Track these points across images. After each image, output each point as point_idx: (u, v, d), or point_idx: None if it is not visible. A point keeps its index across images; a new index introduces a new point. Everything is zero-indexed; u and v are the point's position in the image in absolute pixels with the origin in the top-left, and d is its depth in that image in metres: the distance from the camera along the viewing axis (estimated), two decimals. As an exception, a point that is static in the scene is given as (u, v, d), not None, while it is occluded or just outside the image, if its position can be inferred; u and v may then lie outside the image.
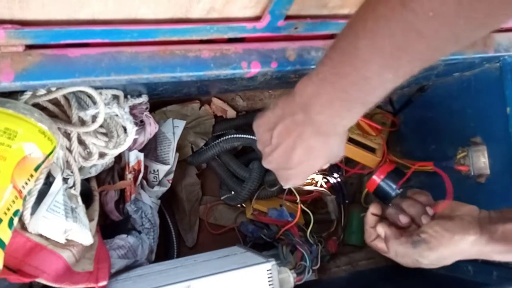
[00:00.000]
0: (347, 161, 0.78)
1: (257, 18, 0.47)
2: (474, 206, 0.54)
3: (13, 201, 0.43)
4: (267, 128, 0.50)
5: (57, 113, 0.52)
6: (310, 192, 0.79)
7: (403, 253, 0.55)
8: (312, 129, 0.46)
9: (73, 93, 0.52)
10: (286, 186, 0.57)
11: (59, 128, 0.51)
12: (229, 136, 0.73)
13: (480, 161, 0.65)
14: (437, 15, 0.33)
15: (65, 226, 0.49)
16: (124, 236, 0.61)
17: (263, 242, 0.73)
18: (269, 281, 0.53)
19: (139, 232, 0.63)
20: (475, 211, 0.54)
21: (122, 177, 0.64)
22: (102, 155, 0.57)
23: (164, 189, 0.68)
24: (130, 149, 0.62)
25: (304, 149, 0.48)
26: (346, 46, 0.39)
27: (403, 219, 0.56)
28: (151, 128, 0.64)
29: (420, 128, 0.78)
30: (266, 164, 0.52)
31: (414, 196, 0.58)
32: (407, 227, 0.57)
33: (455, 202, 0.56)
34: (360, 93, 0.41)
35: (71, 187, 0.54)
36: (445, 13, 0.33)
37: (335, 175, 0.80)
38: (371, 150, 0.76)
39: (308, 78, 0.45)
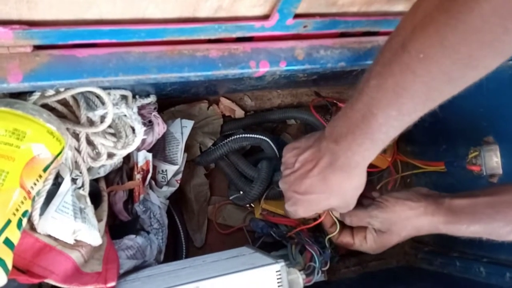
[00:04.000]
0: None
1: (265, 17, 0.47)
2: (425, 187, 0.60)
3: (22, 202, 0.43)
4: (295, 153, 0.55)
5: (66, 113, 0.52)
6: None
7: (357, 218, 0.60)
8: (329, 159, 0.50)
9: (82, 93, 0.52)
10: (287, 211, 0.58)
11: (67, 129, 0.51)
12: (238, 136, 0.72)
13: (492, 160, 0.65)
14: (426, 56, 0.38)
15: (74, 226, 0.49)
16: (132, 236, 0.61)
17: (272, 241, 0.73)
18: (278, 283, 0.52)
19: (148, 233, 0.63)
20: (423, 189, 0.59)
21: (130, 177, 0.64)
22: (110, 155, 0.57)
23: (172, 189, 0.68)
24: (138, 149, 0.62)
25: (318, 179, 0.52)
26: (362, 85, 0.45)
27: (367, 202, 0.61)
28: (160, 128, 0.64)
29: (431, 127, 0.77)
30: (281, 184, 0.57)
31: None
32: None
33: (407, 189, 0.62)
34: (368, 129, 0.45)
35: (79, 188, 0.54)
36: (433, 55, 0.38)
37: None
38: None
39: (337, 114, 0.50)
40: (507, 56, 0.37)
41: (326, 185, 0.52)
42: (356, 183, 0.52)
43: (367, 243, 0.61)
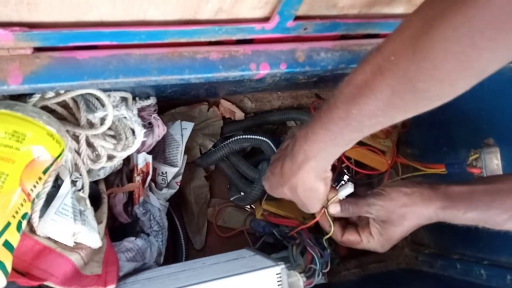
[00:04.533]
0: (357, 163, 0.77)
1: (266, 19, 0.47)
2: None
3: (22, 204, 0.43)
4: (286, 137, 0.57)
5: (66, 115, 0.52)
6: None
7: (355, 206, 0.59)
8: (291, 147, 0.52)
9: (82, 95, 0.52)
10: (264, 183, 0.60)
11: (67, 131, 0.50)
12: (238, 137, 0.72)
13: (493, 163, 0.64)
14: (396, 58, 0.38)
15: (74, 229, 0.49)
16: (132, 238, 0.60)
17: (272, 242, 0.73)
18: (278, 285, 0.52)
19: (148, 235, 0.63)
20: (419, 177, 0.62)
21: (130, 179, 0.64)
22: (110, 157, 0.56)
23: (172, 192, 0.68)
24: (138, 151, 0.62)
25: (280, 164, 0.53)
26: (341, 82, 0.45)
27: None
28: (160, 130, 0.64)
29: (431, 130, 0.77)
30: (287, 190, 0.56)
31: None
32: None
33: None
34: (327, 119, 0.45)
35: (79, 190, 0.53)
36: (402, 58, 0.38)
37: (345, 176, 0.79)
38: (381, 152, 0.75)
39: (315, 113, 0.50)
40: (476, 75, 0.36)
41: (281, 172, 0.53)
42: (307, 181, 0.52)
43: (374, 238, 0.60)
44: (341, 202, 0.60)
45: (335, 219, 0.63)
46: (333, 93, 0.45)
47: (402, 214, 0.56)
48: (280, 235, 0.71)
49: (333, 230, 0.62)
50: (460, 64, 0.35)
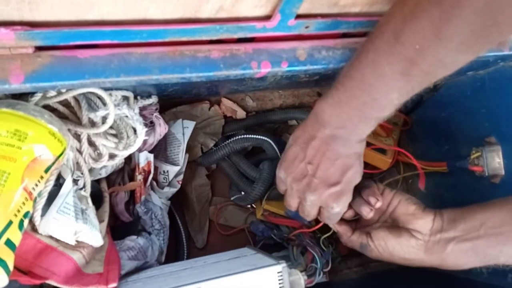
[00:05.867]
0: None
1: (267, 18, 0.47)
2: (430, 215, 0.56)
3: (23, 203, 0.43)
4: (297, 162, 0.55)
5: (67, 114, 0.52)
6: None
7: (351, 245, 0.61)
8: (340, 141, 0.52)
9: (83, 94, 0.52)
10: (338, 210, 0.57)
11: (69, 130, 0.51)
12: (239, 137, 0.72)
13: (494, 161, 0.64)
14: (422, 47, 0.41)
15: (75, 227, 0.49)
16: (134, 237, 0.61)
17: (273, 243, 0.73)
18: (279, 283, 0.52)
19: (149, 233, 0.63)
20: (427, 224, 0.55)
21: (132, 178, 0.64)
22: (112, 156, 0.56)
23: (174, 190, 0.68)
24: (140, 150, 0.62)
25: (342, 159, 0.53)
26: (354, 73, 0.47)
27: (365, 211, 0.58)
28: (161, 129, 0.64)
29: (432, 128, 0.77)
30: (311, 195, 0.55)
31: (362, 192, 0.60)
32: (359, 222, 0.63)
33: (413, 208, 0.57)
34: (372, 111, 0.48)
35: (81, 189, 0.54)
36: (428, 45, 0.41)
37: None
38: (382, 151, 0.75)
39: (324, 101, 0.52)
40: (496, 42, 0.44)
41: (350, 158, 0.53)
42: (363, 145, 0.54)
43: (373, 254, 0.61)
44: (340, 230, 0.61)
45: (345, 221, 0.62)
46: (358, 87, 0.47)
47: (405, 259, 0.57)
48: (279, 238, 0.71)
49: (337, 229, 0.62)
50: (483, 38, 0.40)
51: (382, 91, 0.46)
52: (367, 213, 0.57)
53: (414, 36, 0.41)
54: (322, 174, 0.53)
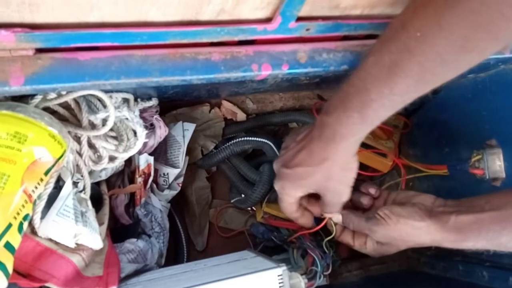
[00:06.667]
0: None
1: (268, 20, 0.47)
2: (431, 195, 0.57)
3: (23, 206, 0.43)
4: (294, 136, 0.56)
5: (68, 116, 0.52)
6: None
7: (357, 226, 0.58)
8: (318, 131, 0.50)
9: (84, 96, 0.52)
10: (276, 185, 0.59)
11: (69, 132, 0.50)
12: (239, 139, 0.72)
13: (495, 164, 0.64)
14: (423, 35, 0.39)
15: (75, 230, 0.49)
16: (134, 240, 0.60)
17: (273, 245, 0.73)
18: (280, 287, 0.52)
19: (149, 236, 0.63)
20: (429, 199, 0.57)
21: (132, 180, 0.64)
22: (112, 158, 0.56)
23: (174, 193, 0.68)
24: (140, 152, 0.62)
25: (307, 152, 0.52)
26: (361, 62, 0.46)
27: (365, 200, 0.61)
28: (161, 131, 0.64)
29: (433, 130, 0.77)
30: (275, 164, 0.58)
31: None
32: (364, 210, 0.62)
33: (413, 192, 0.60)
34: (359, 102, 0.46)
35: (81, 191, 0.53)
36: (429, 34, 0.38)
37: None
38: (382, 154, 0.75)
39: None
40: (502, 43, 0.38)
41: (312, 157, 0.52)
42: (341, 161, 0.52)
43: (367, 249, 0.60)
44: (343, 215, 0.60)
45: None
46: (357, 74, 0.45)
47: (404, 242, 0.56)
48: (279, 240, 0.71)
49: (335, 232, 0.62)
50: (488, 34, 0.37)
51: (375, 82, 0.44)
52: (367, 201, 0.60)
53: (418, 23, 0.39)
54: (289, 154, 0.55)
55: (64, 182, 0.50)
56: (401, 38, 0.41)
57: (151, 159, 0.63)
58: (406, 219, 0.54)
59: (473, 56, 0.40)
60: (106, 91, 0.52)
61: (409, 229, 0.54)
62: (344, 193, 0.56)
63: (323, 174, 0.53)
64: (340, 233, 0.63)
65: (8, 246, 0.41)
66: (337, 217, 0.61)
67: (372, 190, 0.61)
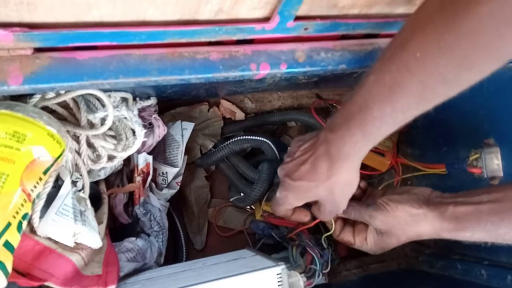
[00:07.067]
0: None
1: (266, 19, 0.47)
2: (428, 188, 0.58)
3: (22, 205, 0.43)
4: (299, 144, 0.56)
5: (66, 116, 0.52)
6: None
7: (356, 213, 0.59)
8: (324, 148, 0.51)
9: (82, 96, 0.52)
10: (277, 198, 0.59)
11: (68, 131, 0.50)
12: (238, 138, 0.72)
13: (493, 163, 0.64)
14: (423, 55, 0.39)
15: (74, 229, 0.49)
16: (133, 239, 0.60)
17: (272, 243, 0.73)
18: (279, 285, 0.52)
19: (148, 235, 0.63)
20: (427, 190, 0.58)
21: (131, 179, 0.64)
22: (111, 158, 0.56)
23: (173, 192, 0.68)
24: (139, 151, 0.62)
25: (310, 167, 0.53)
26: (363, 80, 0.46)
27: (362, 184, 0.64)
28: (160, 130, 0.64)
29: (431, 130, 0.77)
30: (279, 170, 0.58)
31: None
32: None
33: (409, 187, 0.61)
34: (362, 121, 0.46)
35: (80, 190, 0.53)
36: (429, 54, 0.39)
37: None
38: (381, 153, 0.75)
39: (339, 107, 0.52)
40: (502, 61, 0.38)
41: (316, 173, 0.52)
42: (345, 177, 0.52)
43: (368, 244, 0.61)
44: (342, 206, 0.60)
45: (338, 216, 0.63)
46: (359, 92, 0.46)
47: (403, 230, 0.56)
48: (279, 237, 0.71)
49: (333, 228, 0.62)
50: (488, 53, 0.37)
51: (377, 100, 0.44)
52: (357, 193, 0.63)
53: (417, 44, 0.40)
54: (292, 164, 0.55)
55: (63, 181, 0.50)
56: (400, 57, 0.41)
57: (150, 158, 0.63)
58: (404, 205, 0.55)
59: (473, 74, 0.40)
60: (105, 91, 0.53)
61: (407, 216, 0.55)
62: (343, 205, 0.57)
63: (326, 189, 0.54)
64: (340, 232, 0.63)
65: (7, 245, 0.41)
66: (346, 238, 0.62)
67: (361, 183, 0.63)
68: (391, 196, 0.58)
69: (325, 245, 0.66)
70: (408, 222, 0.55)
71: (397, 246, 0.59)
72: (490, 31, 0.35)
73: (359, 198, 0.64)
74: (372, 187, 0.65)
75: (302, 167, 0.54)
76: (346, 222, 0.64)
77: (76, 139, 0.53)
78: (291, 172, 0.55)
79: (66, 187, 0.50)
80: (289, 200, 0.57)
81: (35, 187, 0.44)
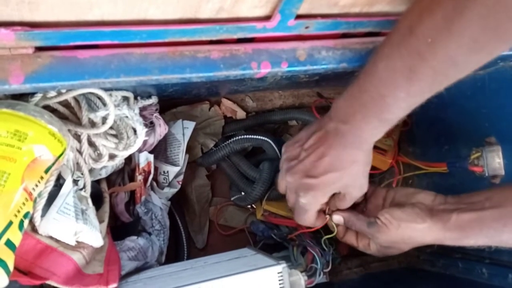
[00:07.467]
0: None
1: (267, 18, 0.47)
2: (431, 192, 0.58)
3: (24, 203, 0.43)
4: (297, 145, 0.55)
5: (67, 115, 0.52)
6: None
7: (359, 230, 0.59)
8: (340, 140, 0.51)
9: (83, 95, 0.52)
10: (304, 201, 0.57)
11: (69, 130, 0.51)
12: (239, 137, 0.72)
13: (494, 161, 0.64)
14: (434, 41, 0.40)
15: (76, 228, 0.49)
16: (134, 237, 0.61)
17: (273, 243, 0.73)
18: (280, 284, 0.52)
19: (149, 234, 0.63)
20: (429, 196, 0.57)
21: (132, 178, 0.64)
22: (112, 156, 0.56)
23: (174, 191, 0.68)
24: (140, 150, 0.62)
25: (332, 158, 0.52)
26: (370, 67, 0.47)
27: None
28: (161, 129, 0.64)
29: (432, 128, 0.77)
30: (289, 177, 0.56)
31: None
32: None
33: (412, 189, 0.60)
34: (376, 109, 0.47)
35: (81, 189, 0.54)
36: (440, 39, 0.40)
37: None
38: (382, 151, 0.75)
39: (340, 96, 0.51)
40: (510, 43, 0.40)
41: (340, 162, 0.52)
42: (366, 158, 0.53)
43: (371, 250, 0.60)
44: (345, 218, 0.60)
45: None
46: (368, 80, 0.46)
47: (406, 244, 0.56)
48: (279, 238, 0.71)
49: (337, 231, 0.62)
50: (497, 35, 0.38)
51: (390, 88, 0.45)
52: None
53: (427, 29, 0.40)
54: (307, 163, 0.54)
55: (64, 180, 0.50)
56: (411, 43, 0.42)
57: (151, 157, 0.63)
58: (407, 222, 0.54)
59: (482, 56, 0.41)
60: (106, 89, 0.53)
61: (410, 232, 0.54)
62: (365, 186, 0.57)
63: (351, 175, 0.54)
64: (344, 234, 0.63)
65: (9, 243, 0.41)
66: (338, 219, 0.61)
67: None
68: (392, 212, 0.55)
69: (325, 247, 0.66)
70: (412, 236, 0.55)
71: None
72: (499, 14, 0.36)
73: (362, 200, 0.63)
74: (375, 185, 0.64)
75: (321, 161, 0.52)
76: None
77: (78, 138, 0.53)
78: (310, 171, 0.53)
79: (68, 186, 0.50)
80: (318, 200, 0.56)
81: (36, 186, 0.45)
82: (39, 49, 0.41)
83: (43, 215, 0.47)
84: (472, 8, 0.37)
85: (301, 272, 0.57)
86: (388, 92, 0.45)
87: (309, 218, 0.59)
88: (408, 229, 0.54)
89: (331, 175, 0.53)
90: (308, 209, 0.57)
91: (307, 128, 0.56)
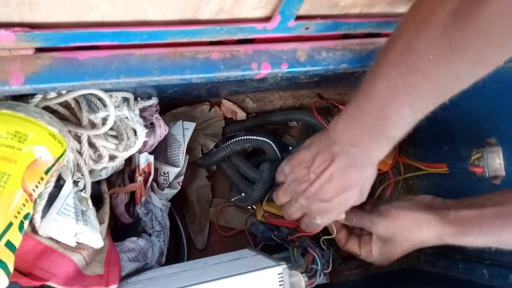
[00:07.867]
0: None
1: (267, 19, 0.47)
2: (429, 195, 0.58)
3: (24, 205, 0.43)
4: (304, 166, 0.54)
5: (68, 116, 0.52)
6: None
7: (360, 219, 0.59)
8: (349, 160, 0.50)
9: (84, 96, 0.52)
10: (319, 222, 0.57)
11: (69, 131, 0.51)
12: (240, 138, 0.72)
13: (495, 162, 0.64)
14: (436, 58, 0.39)
15: (76, 229, 0.49)
16: (134, 239, 0.61)
17: (273, 244, 0.73)
18: (280, 285, 0.52)
19: (150, 235, 0.63)
20: (428, 197, 0.58)
21: (132, 179, 0.64)
22: (112, 157, 0.56)
23: (174, 192, 0.68)
24: (140, 151, 0.62)
25: (342, 180, 0.51)
26: (368, 87, 0.46)
27: None
28: (161, 130, 0.64)
29: (433, 129, 0.77)
30: (303, 200, 0.55)
31: None
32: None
33: (410, 196, 0.62)
34: (384, 128, 0.46)
35: (81, 190, 0.54)
36: (442, 56, 0.39)
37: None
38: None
39: (339, 117, 0.50)
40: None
41: (350, 182, 0.52)
42: (374, 172, 0.53)
43: (373, 256, 0.60)
44: (346, 211, 0.59)
45: (342, 225, 0.63)
46: (369, 101, 0.45)
47: (405, 237, 0.56)
48: (279, 239, 0.71)
49: (336, 234, 0.62)
50: (501, 49, 0.38)
51: (394, 106, 0.44)
52: None
53: (427, 46, 0.39)
54: (318, 186, 0.53)
55: (64, 181, 0.50)
56: (411, 61, 0.41)
57: (151, 158, 0.63)
58: (406, 211, 0.55)
59: (486, 68, 0.40)
60: (106, 90, 0.53)
61: (409, 222, 0.55)
62: (367, 193, 0.56)
63: (362, 190, 0.54)
64: (346, 242, 0.63)
65: (9, 245, 0.41)
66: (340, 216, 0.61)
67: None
68: (393, 203, 0.58)
69: (324, 247, 0.66)
70: (411, 228, 0.55)
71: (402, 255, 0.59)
72: (501, 27, 0.36)
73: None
74: (374, 199, 0.65)
75: (332, 184, 0.52)
76: (352, 233, 0.64)
77: (78, 139, 0.53)
78: (321, 196, 0.53)
79: (68, 187, 0.50)
80: (333, 219, 0.58)
81: (36, 187, 0.44)
82: (39, 50, 0.41)
83: (43, 216, 0.47)
84: (474, 23, 0.36)
85: (302, 273, 0.57)
86: (393, 111, 0.44)
87: (318, 229, 0.60)
88: (407, 218, 0.55)
89: (343, 196, 0.53)
90: (321, 225, 0.58)
91: (307, 147, 0.54)
